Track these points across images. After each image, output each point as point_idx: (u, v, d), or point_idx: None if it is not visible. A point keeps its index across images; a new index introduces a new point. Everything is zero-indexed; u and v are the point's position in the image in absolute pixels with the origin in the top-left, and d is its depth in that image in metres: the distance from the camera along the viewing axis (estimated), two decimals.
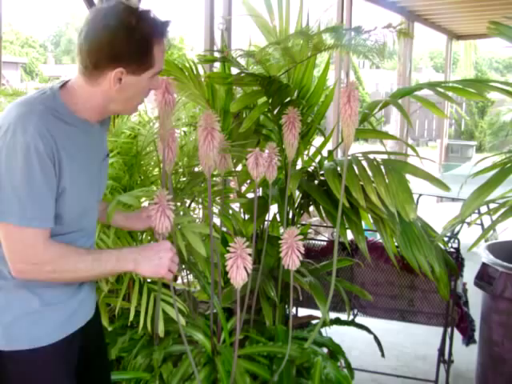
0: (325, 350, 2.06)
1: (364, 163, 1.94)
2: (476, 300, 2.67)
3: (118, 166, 1.77)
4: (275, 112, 2.05)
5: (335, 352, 2.02)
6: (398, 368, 3.06)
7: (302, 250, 1.44)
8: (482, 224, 5.51)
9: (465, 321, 2.66)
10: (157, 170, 2.03)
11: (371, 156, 1.99)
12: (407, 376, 2.81)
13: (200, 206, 2.26)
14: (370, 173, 1.90)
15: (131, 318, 1.73)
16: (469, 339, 2.72)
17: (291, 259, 1.43)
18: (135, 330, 1.79)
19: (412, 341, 3.34)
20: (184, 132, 2.18)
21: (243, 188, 2.38)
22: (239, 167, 2.30)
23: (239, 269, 1.32)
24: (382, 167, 1.91)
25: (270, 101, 2.00)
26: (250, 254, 1.33)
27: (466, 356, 2.78)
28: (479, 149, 11.97)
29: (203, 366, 1.73)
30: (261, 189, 2.36)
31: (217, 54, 2.63)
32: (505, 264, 2.37)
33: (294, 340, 1.92)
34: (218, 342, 1.86)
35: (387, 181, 1.88)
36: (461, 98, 14.71)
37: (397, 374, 2.79)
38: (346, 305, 2.21)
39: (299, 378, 1.77)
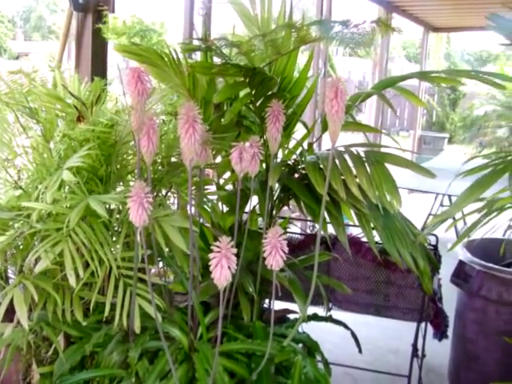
0: (300, 345, 2.04)
1: (346, 156, 1.92)
2: (448, 294, 2.69)
3: (95, 156, 1.70)
4: (258, 104, 2.00)
5: (312, 349, 2.00)
6: (371, 362, 3.07)
7: (286, 249, 1.40)
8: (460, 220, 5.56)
9: (439, 316, 2.67)
10: (135, 159, 1.97)
11: (353, 149, 1.97)
12: (380, 371, 2.81)
13: (175, 196, 2.21)
14: (351, 164, 1.88)
15: (106, 312, 1.67)
16: (442, 334, 2.74)
17: (275, 259, 1.39)
18: (111, 325, 1.74)
19: (384, 334, 3.36)
20: (163, 121, 2.12)
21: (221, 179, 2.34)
22: (218, 158, 2.25)
23: (223, 269, 1.28)
24: (363, 159, 1.89)
25: (253, 92, 1.95)
26: (235, 254, 1.29)
27: (438, 350, 2.79)
28: (450, 141, 12.09)
29: (180, 364, 1.69)
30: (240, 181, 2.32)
31: (197, 42, 2.56)
32: (482, 262, 2.38)
33: (272, 337, 1.89)
34: (194, 337, 1.82)
35: (369, 172, 1.86)
36: (433, 90, 14.87)
37: (369, 369, 2.80)
38: (324, 300, 2.19)
39: (278, 376, 1.75)
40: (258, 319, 2.02)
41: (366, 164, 1.87)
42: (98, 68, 2.36)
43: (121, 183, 1.94)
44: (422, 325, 2.68)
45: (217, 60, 2.05)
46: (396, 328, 3.09)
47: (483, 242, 2.71)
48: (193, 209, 2.17)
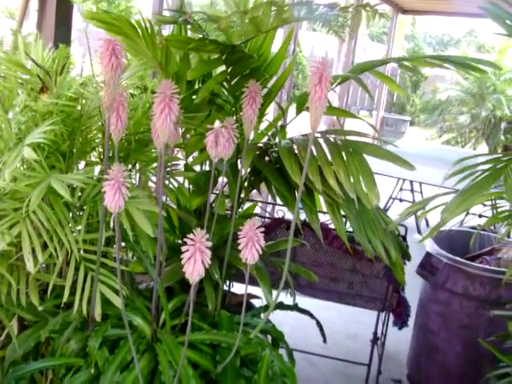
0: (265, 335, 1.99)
1: (323, 144, 1.85)
2: (410, 282, 2.67)
3: (58, 130, 1.58)
4: (233, 82, 1.91)
5: (277, 339, 1.95)
6: (329, 347, 3.04)
7: (263, 243, 1.33)
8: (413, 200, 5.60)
9: (401, 305, 2.66)
10: (100, 135, 1.85)
11: (330, 137, 1.90)
12: (339, 358, 2.79)
13: (136, 172, 2.11)
14: (328, 154, 1.82)
15: (65, 297, 1.57)
16: (402, 323, 2.73)
17: (251, 253, 1.32)
18: (69, 311, 1.64)
19: (343, 319, 3.35)
20: (131, 95, 2.00)
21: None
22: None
23: (197, 263, 1.20)
24: (341, 148, 1.83)
25: (229, 70, 1.86)
26: (208, 248, 1.21)
27: (396, 337, 2.79)
28: (411, 123, 12.20)
29: (142, 354, 1.61)
30: (208, 162, 2.23)
31: (169, 14, 2.43)
32: (449, 256, 2.36)
33: (237, 327, 1.83)
34: (157, 325, 1.74)
35: (347, 162, 1.80)
36: (396, 71, 14.91)
37: (329, 355, 2.77)
38: (291, 288, 2.14)
39: (242, 368, 1.69)
40: (221, 303, 1.95)
41: (344, 154, 1.80)
42: (63, 33, 2.21)
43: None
44: (383, 313, 2.67)
45: (192, 34, 1.94)
46: (354, 312, 3.07)
47: (449, 233, 2.70)
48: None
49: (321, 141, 1.88)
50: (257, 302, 2.34)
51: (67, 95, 1.61)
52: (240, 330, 1.53)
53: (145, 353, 1.62)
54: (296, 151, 1.86)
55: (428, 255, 2.47)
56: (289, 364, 1.73)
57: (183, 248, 1.21)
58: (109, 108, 1.39)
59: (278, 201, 2.07)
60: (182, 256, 1.98)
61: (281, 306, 2.14)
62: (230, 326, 1.78)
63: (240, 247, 1.33)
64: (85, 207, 1.66)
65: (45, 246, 1.55)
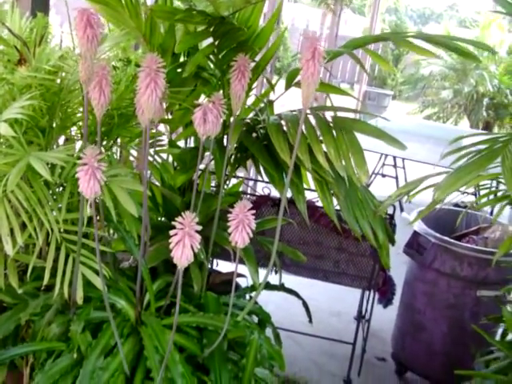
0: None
1: (312, 120, 1.79)
2: (395, 260, 2.65)
3: (37, 104, 1.50)
4: (221, 56, 1.83)
5: (264, 320, 1.91)
6: (314, 325, 3.02)
7: (254, 225, 1.28)
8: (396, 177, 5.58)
9: (386, 284, 2.64)
10: (81, 109, 1.77)
11: (320, 113, 1.84)
12: (324, 336, 2.77)
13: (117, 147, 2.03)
14: (317, 131, 1.77)
15: (46, 280, 1.51)
16: (387, 301, 2.72)
17: (241, 236, 1.26)
18: (50, 293, 1.57)
19: (327, 296, 3.32)
20: (114, 67, 1.91)
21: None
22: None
23: (186, 248, 1.14)
24: (331, 126, 1.77)
25: (217, 43, 1.78)
26: (198, 231, 1.15)
27: (379, 316, 2.77)
28: (393, 98, 12.16)
29: (126, 338, 1.55)
30: (193, 138, 2.16)
31: None
32: (437, 235, 2.33)
33: (223, 308, 1.79)
34: (141, 307, 1.69)
35: (337, 141, 1.74)
36: (377, 44, 14.81)
37: (313, 333, 2.75)
38: (278, 267, 2.10)
39: (229, 351, 1.64)
40: (206, 283, 1.90)
41: (334, 131, 1.75)
42: (41, 1, 2.10)
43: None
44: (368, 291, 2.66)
45: (178, 5, 1.86)
46: (338, 290, 3.06)
47: (438, 211, 2.67)
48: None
49: (310, 117, 1.82)
50: (242, 281, 2.31)
51: (46, 68, 1.52)
52: (229, 314, 1.48)
53: (129, 336, 1.57)
54: (285, 128, 1.80)
55: (415, 234, 2.44)
56: (276, 347, 1.70)
57: (171, 232, 1.15)
58: (87, 82, 1.31)
59: (264, 178, 2.01)
60: (166, 235, 1.95)
61: (267, 286, 2.10)
62: (216, 308, 1.74)
63: (230, 230, 1.27)
64: (65, 185, 1.59)
65: (24, 226, 1.48)
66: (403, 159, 5.55)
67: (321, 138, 1.74)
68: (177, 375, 1.47)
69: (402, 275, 2.70)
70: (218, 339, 1.58)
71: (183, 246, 1.14)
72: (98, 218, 1.63)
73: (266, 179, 2.03)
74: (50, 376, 1.49)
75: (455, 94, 8.84)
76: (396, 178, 5.54)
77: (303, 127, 1.77)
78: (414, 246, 2.43)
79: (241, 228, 1.25)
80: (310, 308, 2.30)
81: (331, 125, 1.76)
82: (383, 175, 5.78)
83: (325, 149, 1.73)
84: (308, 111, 1.86)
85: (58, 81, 1.59)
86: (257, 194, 2.48)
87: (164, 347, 1.49)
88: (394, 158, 5.44)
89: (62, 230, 1.56)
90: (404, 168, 5.71)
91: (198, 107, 1.51)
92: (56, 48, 1.66)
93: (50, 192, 1.60)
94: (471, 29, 11.15)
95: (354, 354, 2.62)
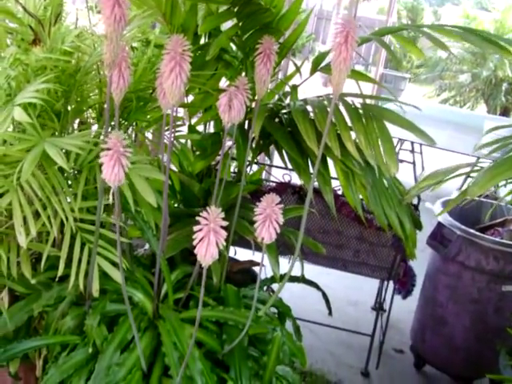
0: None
1: (341, 107, 1.71)
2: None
3: (52, 86, 1.42)
4: (244, 38, 1.75)
5: (284, 313, 1.84)
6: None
7: (282, 220, 1.20)
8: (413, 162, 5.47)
9: (407, 275, 2.57)
10: (97, 91, 1.69)
11: (349, 100, 1.75)
12: (342, 328, 2.71)
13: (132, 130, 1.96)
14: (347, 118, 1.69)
15: (60, 270, 1.44)
16: (407, 292, 2.65)
17: (268, 232, 1.18)
18: (64, 284, 1.51)
19: (343, 284, 3.25)
20: (132, 48, 1.83)
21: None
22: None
23: (210, 245, 1.07)
24: (361, 113, 1.69)
25: (241, 24, 1.69)
26: (224, 227, 1.08)
27: (397, 306, 2.69)
28: (409, 80, 11.96)
29: (143, 333, 1.49)
30: (212, 123, 2.07)
31: None
32: (463, 227, 2.25)
33: (244, 302, 1.72)
34: (158, 299, 1.63)
35: (367, 129, 1.66)
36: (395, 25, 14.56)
37: (330, 324, 2.68)
38: (300, 260, 2.03)
39: (249, 347, 1.58)
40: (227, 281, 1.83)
41: (363, 119, 1.66)
42: None
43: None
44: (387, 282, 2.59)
45: None
46: (354, 278, 2.99)
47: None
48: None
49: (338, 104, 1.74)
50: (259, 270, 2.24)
51: (62, 48, 1.45)
52: (253, 309, 1.41)
53: (146, 331, 1.51)
54: (311, 114, 1.72)
55: (440, 226, 2.35)
56: (298, 343, 1.63)
57: (195, 228, 1.07)
58: (111, 65, 1.23)
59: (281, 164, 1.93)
60: (184, 223, 1.88)
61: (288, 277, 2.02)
62: (236, 301, 1.67)
63: (256, 225, 1.20)
64: (81, 173, 1.52)
65: (37, 214, 1.42)
66: (421, 145, 5.44)
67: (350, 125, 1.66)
68: (196, 373, 1.41)
69: (421, 265, 2.62)
70: (238, 335, 1.52)
71: (208, 244, 1.06)
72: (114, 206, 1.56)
73: (283, 165, 1.95)
74: (63, 370, 1.43)
75: (473, 78, 8.65)
76: (413, 163, 5.44)
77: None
78: (438, 237, 2.34)
79: (268, 223, 1.18)
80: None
81: (361, 112, 1.67)
82: (400, 161, 5.66)
83: (354, 136, 1.66)
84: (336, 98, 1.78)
85: (74, 62, 1.51)
86: (277, 180, 2.40)
87: (183, 343, 1.43)
88: (412, 143, 5.33)
89: (77, 218, 1.49)
90: (421, 153, 5.60)
91: (222, 93, 1.43)
92: (71, 27, 1.58)
93: (65, 179, 1.53)
94: (491, 11, 10.91)
95: (372, 345, 2.56)
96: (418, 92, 9.81)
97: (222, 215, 1.08)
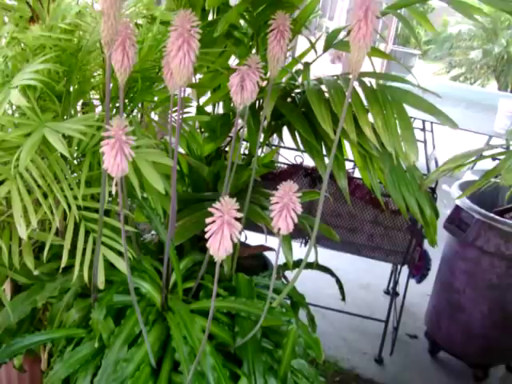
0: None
1: (357, 87, 1.61)
2: None
3: (52, 67, 1.33)
4: (256, 13, 1.65)
5: (298, 303, 1.77)
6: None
7: (300, 210, 1.12)
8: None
9: (422, 259, 2.50)
10: (101, 71, 1.61)
11: (366, 80, 1.66)
12: (355, 313, 2.64)
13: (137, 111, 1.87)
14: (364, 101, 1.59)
15: (64, 261, 1.37)
16: (421, 277, 2.58)
17: (285, 222, 1.10)
18: (68, 275, 1.44)
19: (355, 267, 3.17)
20: (136, 25, 1.74)
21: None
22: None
23: (224, 239, 0.99)
24: (379, 95, 1.59)
25: None
26: (237, 219, 1.00)
27: (410, 288, 2.62)
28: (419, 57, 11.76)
29: (152, 326, 1.42)
30: (221, 103, 1.98)
31: None
32: (482, 211, 2.16)
33: (255, 290, 1.65)
34: (167, 289, 1.56)
35: (385, 112, 1.57)
36: None
37: (342, 309, 2.61)
38: (314, 247, 1.95)
39: (263, 339, 1.51)
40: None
41: (382, 102, 1.57)
42: None
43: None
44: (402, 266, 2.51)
45: None
46: (366, 260, 2.93)
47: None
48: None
49: (355, 84, 1.64)
50: (269, 255, 2.17)
51: (62, 26, 1.35)
52: (267, 302, 1.33)
53: (155, 324, 1.44)
54: (326, 95, 1.63)
55: (457, 209, 2.27)
56: (314, 335, 1.56)
57: (207, 220, 0.99)
58: (109, 44, 1.14)
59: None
60: (193, 209, 1.80)
61: (301, 263, 1.95)
62: (249, 291, 1.60)
63: (272, 214, 1.11)
64: (84, 157, 1.44)
65: (39, 203, 1.34)
66: (432, 123, 5.31)
67: (367, 107, 1.57)
68: (207, 368, 1.34)
69: (436, 249, 2.54)
70: (251, 327, 1.45)
71: (221, 237, 0.98)
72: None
73: (294, 147, 1.86)
74: (69, 365, 1.37)
75: (484, 54, 8.48)
76: (424, 142, 5.31)
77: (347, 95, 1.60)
78: (456, 221, 2.26)
79: (285, 213, 1.09)
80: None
81: (379, 94, 1.58)
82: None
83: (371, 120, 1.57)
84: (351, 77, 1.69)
85: (75, 40, 1.42)
86: (289, 163, 2.31)
87: (193, 337, 1.36)
88: (423, 121, 5.19)
89: (81, 206, 1.41)
90: (432, 132, 5.47)
91: (232, 72, 1.34)
92: (72, 3, 1.48)
93: (67, 165, 1.45)
94: None
95: (386, 331, 2.49)
96: (428, 69, 9.63)
97: (237, 206, 0.99)
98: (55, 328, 1.44)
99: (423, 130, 5.35)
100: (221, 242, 0.99)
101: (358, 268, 3.18)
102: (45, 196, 1.29)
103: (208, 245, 1.01)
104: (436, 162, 5.87)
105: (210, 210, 0.99)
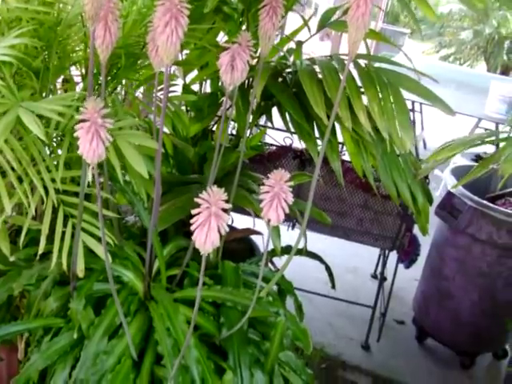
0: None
1: (352, 70, 1.54)
2: None
3: (29, 41, 1.24)
4: None
5: (286, 291, 1.72)
6: (328, 282, 2.85)
7: (291, 199, 1.05)
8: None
9: (411, 245, 2.45)
10: (82, 46, 1.52)
11: (361, 62, 1.59)
12: (343, 299, 2.60)
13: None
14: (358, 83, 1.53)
15: (41, 247, 1.30)
16: (410, 262, 2.54)
17: (275, 213, 1.04)
18: (46, 262, 1.37)
19: (341, 250, 3.13)
20: None
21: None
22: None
23: (211, 231, 0.92)
24: (375, 78, 1.52)
25: None
26: (225, 210, 0.93)
27: (397, 273, 2.58)
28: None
29: (133, 317, 1.36)
30: (209, 82, 1.90)
31: None
32: (474, 198, 2.11)
33: (242, 278, 1.59)
34: (150, 277, 1.49)
35: (381, 96, 1.51)
36: None
37: (329, 295, 2.56)
38: (304, 235, 1.89)
39: (250, 329, 1.45)
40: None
41: (377, 85, 1.50)
42: None
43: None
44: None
45: None
46: (353, 244, 2.88)
47: (469, 168, 2.45)
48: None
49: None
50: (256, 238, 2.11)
51: None
52: (256, 294, 1.27)
53: (137, 314, 1.37)
54: (319, 76, 1.56)
55: (449, 195, 2.21)
56: (302, 326, 1.50)
57: (193, 211, 0.92)
58: (94, 18, 1.06)
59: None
60: (177, 192, 1.73)
61: (288, 250, 1.89)
62: (235, 279, 1.54)
63: (262, 204, 1.05)
64: (64, 138, 1.36)
65: (13, 186, 1.26)
66: (421, 104, 5.26)
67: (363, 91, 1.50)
68: (191, 361, 1.28)
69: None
70: (237, 317, 1.40)
71: (208, 229, 0.92)
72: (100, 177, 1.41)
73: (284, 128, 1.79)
74: (47, 356, 1.30)
75: (475, 35, 8.41)
76: (413, 123, 5.26)
77: (341, 77, 1.53)
78: (447, 207, 2.21)
79: (276, 203, 1.03)
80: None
81: (374, 77, 1.50)
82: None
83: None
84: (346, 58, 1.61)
85: (55, 13, 1.32)
86: (278, 144, 2.24)
87: (177, 329, 1.30)
88: (413, 102, 5.13)
89: (59, 190, 1.33)
90: (421, 113, 5.43)
91: (221, 50, 1.26)
92: None
93: (46, 145, 1.37)
94: None
95: (374, 317, 2.46)
96: (418, 48, 9.54)
97: (225, 196, 0.93)
98: (32, 317, 1.37)
99: (412, 110, 5.30)
100: (207, 234, 0.92)
101: (345, 251, 3.13)
102: (20, 180, 1.22)
103: (194, 237, 0.94)
104: (424, 144, 5.86)
105: (196, 200, 0.92)
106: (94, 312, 1.35)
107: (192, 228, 0.94)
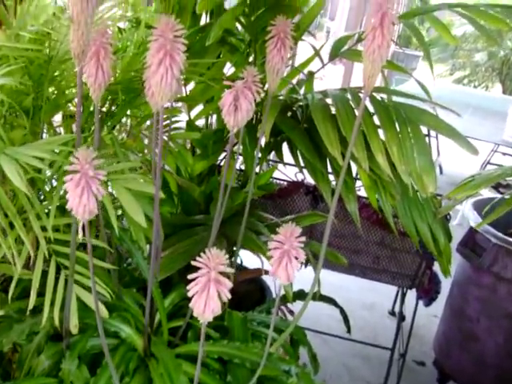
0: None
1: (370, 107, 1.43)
2: None
3: (19, 80, 1.15)
4: (253, 17, 1.48)
5: (299, 341, 1.60)
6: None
7: (303, 257, 0.94)
8: None
9: (431, 282, 2.32)
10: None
11: (378, 96, 1.47)
12: (358, 340, 2.46)
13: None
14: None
15: (32, 302, 1.19)
16: (430, 300, 2.40)
17: (285, 272, 0.92)
18: (37, 317, 1.26)
19: (358, 285, 2.99)
20: (119, 30, 1.57)
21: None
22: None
23: (210, 300, 0.81)
24: (393, 115, 1.41)
25: (249, 1, 1.42)
26: (227, 276, 0.82)
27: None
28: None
29: (133, 376, 1.24)
30: (215, 117, 1.80)
31: None
32: (499, 235, 1.98)
33: (250, 329, 1.48)
34: (151, 329, 1.38)
35: (400, 135, 1.39)
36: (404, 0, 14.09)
37: (344, 336, 2.42)
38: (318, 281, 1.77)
39: None
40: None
41: (397, 124, 1.38)
42: None
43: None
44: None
45: None
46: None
47: (490, 201, 2.32)
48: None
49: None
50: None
51: (30, 35, 1.17)
52: (266, 351, 1.15)
53: (136, 373, 1.26)
54: (333, 110, 1.45)
55: (472, 232, 2.09)
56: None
57: (190, 276, 0.81)
58: (80, 56, 0.96)
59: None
60: (182, 235, 1.63)
61: (302, 295, 1.77)
62: (243, 333, 1.42)
63: (270, 262, 0.94)
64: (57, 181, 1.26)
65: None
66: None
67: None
68: None
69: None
70: (245, 375, 1.29)
71: (207, 297, 0.81)
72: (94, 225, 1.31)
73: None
74: None
75: (490, 56, 8.29)
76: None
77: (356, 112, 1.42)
78: (470, 245, 2.08)
79: (286, 262, 0.91)
80: (339, 299, 1.99)
81: (393, 114, 1.39)
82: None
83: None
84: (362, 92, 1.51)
85: (46, 50, 1.23)
86: (289, 179, 2.13)
87: None
88: (428, 130, 5.03)
89: (51, 238, 1.23)
90: (437, 138, 5.31)
91: (226, 84, 1.16)
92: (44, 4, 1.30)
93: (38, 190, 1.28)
94: None
95: (393, 359, 2.32)
96: (430, 71, 9.43)
97: (226, 260, 0.81)
98: (23, 377, 1.26)
99: (428, 135, 5.18)
100: (207, 302, 0.81)
101: (361, 286, 2.99)
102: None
103: (191, 305, 0.83)
104: (440, 169, 5.72)
105: (193, 263, 0.81)
106: (89, 371, 1.24)
107: (189, 294, 0.83)
